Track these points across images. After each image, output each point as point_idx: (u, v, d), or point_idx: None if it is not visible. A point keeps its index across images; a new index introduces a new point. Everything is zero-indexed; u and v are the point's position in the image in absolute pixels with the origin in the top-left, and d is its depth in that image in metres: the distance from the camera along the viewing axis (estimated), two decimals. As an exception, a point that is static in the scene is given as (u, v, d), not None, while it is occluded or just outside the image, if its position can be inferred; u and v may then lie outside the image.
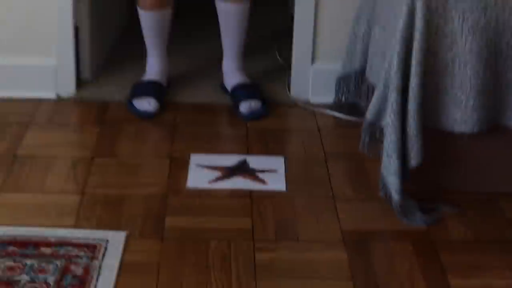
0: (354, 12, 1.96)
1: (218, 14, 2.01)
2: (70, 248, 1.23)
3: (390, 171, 1.59)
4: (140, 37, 2.03)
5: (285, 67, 2.29)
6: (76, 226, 1.35)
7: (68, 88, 2.04)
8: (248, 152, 1.78)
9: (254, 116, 1.93)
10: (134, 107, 1.90)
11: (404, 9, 1.61)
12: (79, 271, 1.15)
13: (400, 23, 1.62)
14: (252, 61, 2.31)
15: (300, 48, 2.14)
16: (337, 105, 2.10)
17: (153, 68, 2.01)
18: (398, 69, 1.60)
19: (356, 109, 2.06)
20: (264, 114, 1.99)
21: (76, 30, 1.99)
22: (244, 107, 1.91)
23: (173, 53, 2.19)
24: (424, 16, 1.61)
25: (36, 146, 1.76)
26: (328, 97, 2.09)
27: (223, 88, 2.07)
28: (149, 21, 1.98)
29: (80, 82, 2.09)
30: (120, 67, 2.27)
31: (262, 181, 1.59)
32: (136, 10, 2.02)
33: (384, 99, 1.68)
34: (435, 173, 1.74)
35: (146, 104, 1.88)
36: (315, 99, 2.15)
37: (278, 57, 2.46)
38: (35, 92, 2.01)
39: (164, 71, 2.03)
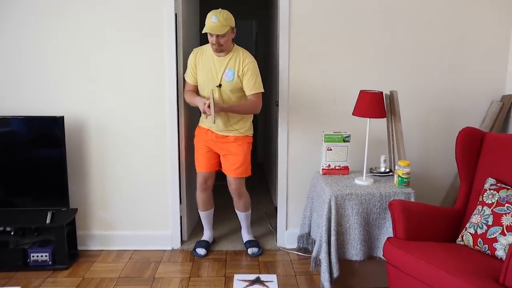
0: (303, 207, 3.27)
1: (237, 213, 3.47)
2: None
3: (325, 280, 2.69)
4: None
5: (274, 232, 3.66)
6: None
7: (176, 244, 3.45)
8: (260, 272, 3.10)
9: (254, 255, 3.34)
10: (196, 252, 3.36)
11: (326, 205, 2.73)
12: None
13: (325, 210, 2.73)
14: (258, 228, 3.78)
15: (280, 223, 3.49)
16: (298, 249, 3.32)
17: (205, 235, 3.48)
18: (325, 232, 2.70)
19: (307, 251, 3.28)
20: (259, 254, 3.35)
21: (180, 218, 3.47)
22: (249, 250, 3.35)
23: (216, 223, 3.64)
24: (335, 208, 2.71)
25: (165, 272, 3.10)
26: (294, 245, 3.38)
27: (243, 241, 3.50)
28: (201, 215, 3.46)
29: (182, 241, 3.49)
30: (197, 234, 3.65)
31: (267, 286, 2.68)
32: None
33: (319, 246, 2.77)
34: (345, 280, 2.81)
35: (200, 251, 3.36)
36: (288, 246, 3.47)
37: (270, 226, 3.87)
38: (161, 247, 3.44)
39: (210, 235, 3.49)
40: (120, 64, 3.28)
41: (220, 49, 3.03)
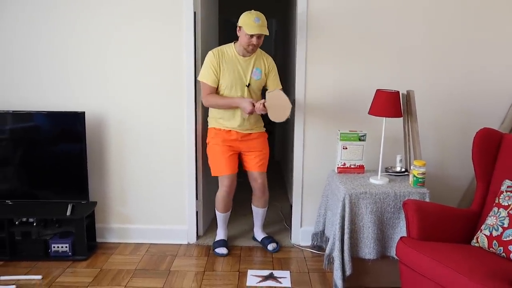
0: (318, 205, 3.30)
1: (253, 210, 3.51)
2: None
3: (337, 277, 2.70)
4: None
5: (289, 229, 3.68)
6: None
7: (192, 239, 3.50)
8: (273, 268, 3.12)
9: (274, 250, 3.36)
10: (217, 252, 3.33)
11: (340, 203, 2.74)
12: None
13: (339, 208, 2.74)
14: (272, 225, 3.81)
15: (295, 221, 3.50)
16: (312, 246, 3.36)
17: (221, 234, 3.46)
18: (338, 230, 2.71)
19: (321, 249, 3.32)
20: (278, 250, 3.39)
21: (196, 213, 3.52)
22: (270, 246, 3.37)
23: (232, 219, 3.64)
24: (349, 206, 2.72)
25: (180, 266, 3.15)
26: (309, 243, 3.43)
27: (254, 238, 3.54)
28: (220, 216, 3.44)
29: (198, 236, 3.54)
30: (212, 230, 3.67)
31: (280, 282, 2.90)
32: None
33: (333, 244, 2.78)
34: (357, 278, 2.83)
35: (222, 250, 3.34)
36: (303, 243, 3.50)
37: (285, 224, 3.88)
38: (177, 241, 3.49)
39: (226, 234, 3.49)
40: (139, 62, 3.34)
41: (256, 49, 3.08)
